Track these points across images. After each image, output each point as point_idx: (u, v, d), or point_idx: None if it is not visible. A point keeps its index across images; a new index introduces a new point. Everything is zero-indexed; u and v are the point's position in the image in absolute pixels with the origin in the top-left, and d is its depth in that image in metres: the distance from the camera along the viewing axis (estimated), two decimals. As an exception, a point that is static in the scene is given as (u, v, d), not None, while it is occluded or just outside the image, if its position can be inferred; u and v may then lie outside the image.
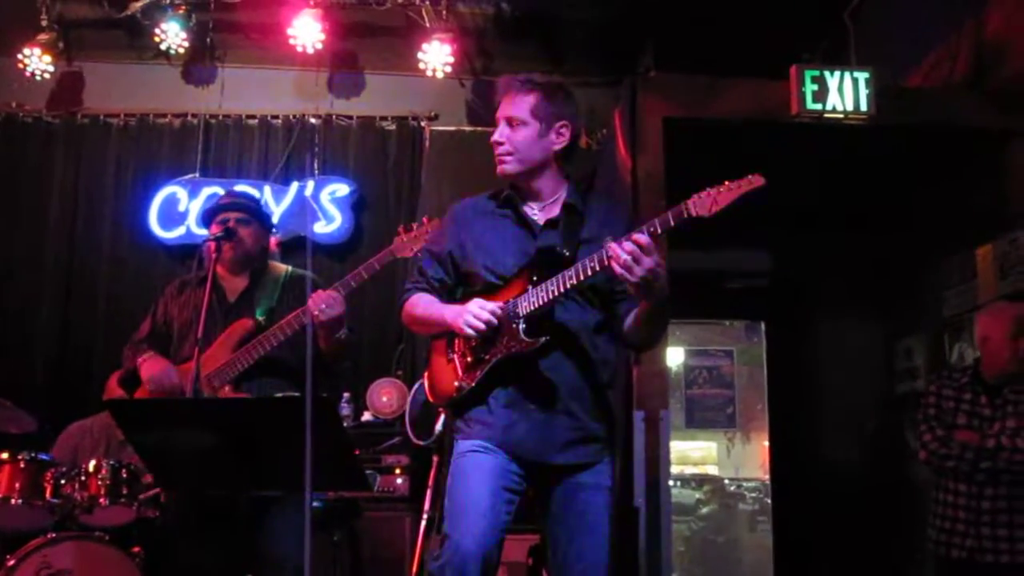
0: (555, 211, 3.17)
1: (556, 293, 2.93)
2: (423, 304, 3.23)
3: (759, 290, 7.88)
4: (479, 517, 2.92)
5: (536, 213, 3.20)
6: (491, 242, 3.18)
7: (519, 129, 3.14)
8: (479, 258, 3.17)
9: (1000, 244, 5.31)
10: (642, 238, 2.73)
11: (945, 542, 4.28)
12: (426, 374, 3.32)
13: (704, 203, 2.76)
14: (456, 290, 3.28)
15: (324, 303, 3.75)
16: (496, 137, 3.16)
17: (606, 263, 2.83)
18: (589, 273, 2.87)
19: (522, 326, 2.98)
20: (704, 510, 9.60)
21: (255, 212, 4.11)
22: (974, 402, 4.30)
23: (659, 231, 2.80)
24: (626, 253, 2.73)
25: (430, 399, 3.30)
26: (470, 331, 2.98)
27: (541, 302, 2.95)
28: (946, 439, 4.29)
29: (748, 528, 9.50)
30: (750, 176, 2.77)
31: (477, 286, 3.17)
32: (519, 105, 3.14)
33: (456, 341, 3.14)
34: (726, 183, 2.77)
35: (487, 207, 3.27)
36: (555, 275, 2.93)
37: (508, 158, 3.16)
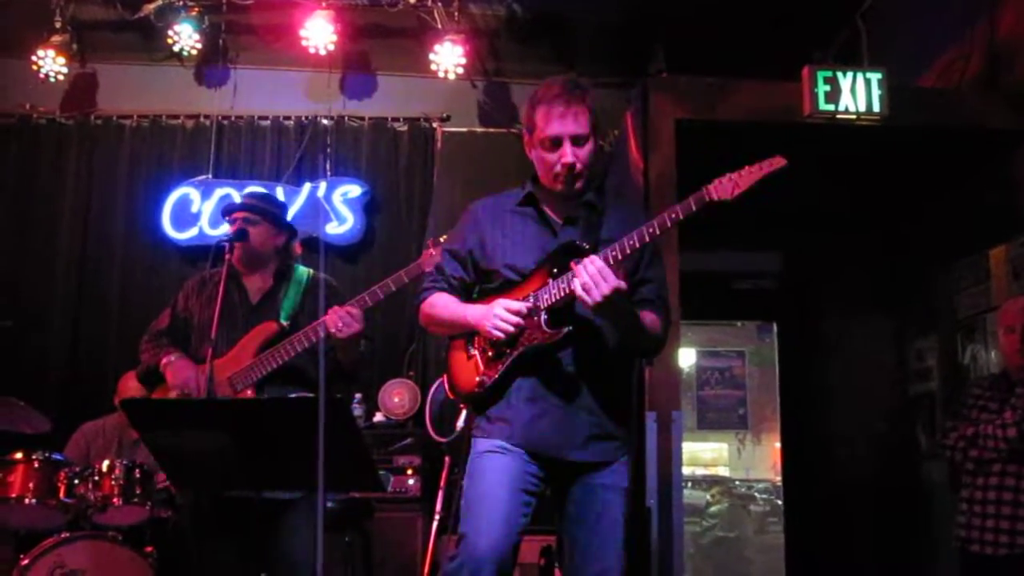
0: (575, 210, 3.17)
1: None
2: (443, 304, 3.21)
3: (771, 291, 7.87)
4: (495, 518, 2.92)
5: (556, 211, 3.20)
6: (511, 239, 3.17)
7: (585, 145, 3.10)
8: (499, 255, 3.16)
9: (1013, 245, 5.30)
10: (598, 263, 2.81)
11: (955, 534, 4.36)
12: (445, 372, 3.32)
13: (725, 187, 2.78)
14: (474, 288, 3.27)
15: (342, 321, 3.73)
16: (569, 159, 3.05)
17: (628, 251, 2.88)
18: (611, 261, 2.87)
19: (544, 317, 2.99)
20: (715, 511, 9.60)
21: (263, 212, 4.08)
22: (991, 398, 4.34)
23: (680, 217, 2.83)
24: (588, 274, 2.79)
25: (450, 396, 3.28)
26: (498, 334, 2.98)
27: (562, 294, 2.95)
28: (949, 431, 4.42)
29: (759, 529, 9.50)
30: (770, 159, 2.77)
31: (496, 283, 3.16)
32: (581, 121, 3.07)
33: (477, 338, 3.13)
34: (746, 167, 2.77)
35: (507, 205, 3.25)
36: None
37: (581, 179, 3.12)
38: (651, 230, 2.87)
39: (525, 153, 3.25)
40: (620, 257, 2.87)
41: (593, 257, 2.84)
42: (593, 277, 2.79)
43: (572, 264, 2.86)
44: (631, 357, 3.43)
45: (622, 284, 2.83)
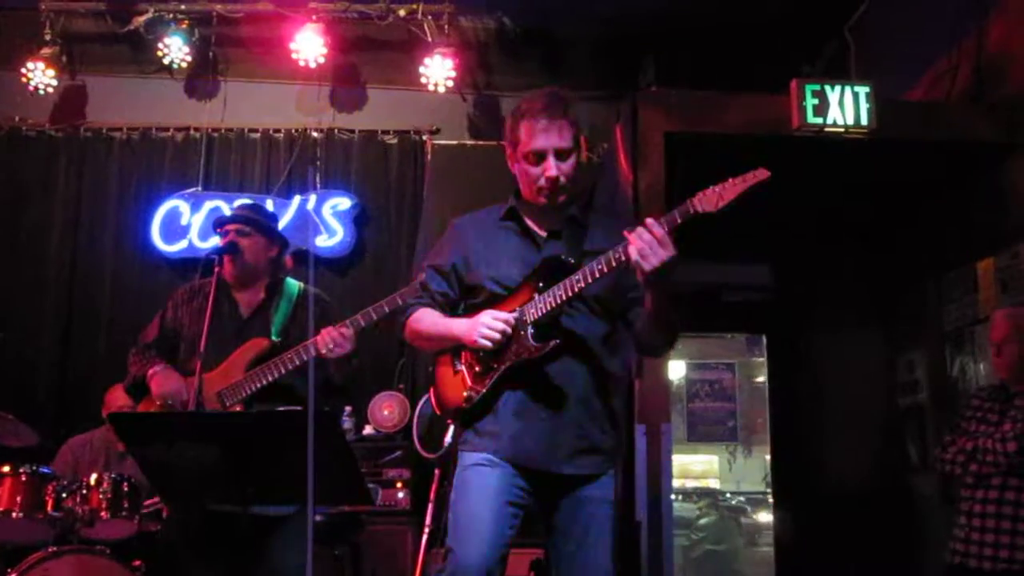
0: (558, 223, 3.18)
1: (564, 298, 2.94)
2: (428, 319, 3.22)
3: (760, 303, 7.87)
4: (483, 531, 2.92)
5: (540, 225, 3.21)
6: (495, 254, 3.18)
7: (569, 159, 3.11)
8: (483, 270, 3.17)
9: (1002, 258, 5.32)
10: (658, 231, 2.76)
11: (950, 548, 4.28)
12: (432, 387, 3.32)
13: (709, 199, 2.77)
14: (459, 304, 3.27)
15: (333, 342, 3.72)
16: (553, 173, 3.06)
17: (615, 262, 2.86)
18: (597, 275, 2.89)
19: (530, 331, 2.99)
20: (705, 523, 9.59)
21: (255, 223, 4.06)
22: (991, 409, 4.31)
23: (666, 230, 2.81)
24: (644, 241, 2.76)
25: (437, 412, 3.28)
26: (486, 343, 2.98)
27: (548, 307, 2.96)
28: (947, 444, 4.35)
29: (749, 541, 9.49)
30: (754, 171, 2.78)
31: (481, 297, 3.17)
32: (564, 135, 3.08)
33: (463, 352, 3.14)
34: (730, 179, 2.77)
35: (490, 220, 3.27)
36: (561, 282, 2.94)
37: (565, 192, 3.13)
38: None
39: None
40: (606, 270, 2.88)
41: (650, 222, 2.79)
42: (650, 243, 2.76)
43: (626, 232, 2.82)
44: (651, 350, 3.41)
45: (675, 255, 2.79)
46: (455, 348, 3.17)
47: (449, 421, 3.38)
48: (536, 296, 3.00)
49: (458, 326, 3.11)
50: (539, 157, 3.09)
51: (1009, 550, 4.02)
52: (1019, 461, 4.02)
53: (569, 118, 3.10)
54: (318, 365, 3.83)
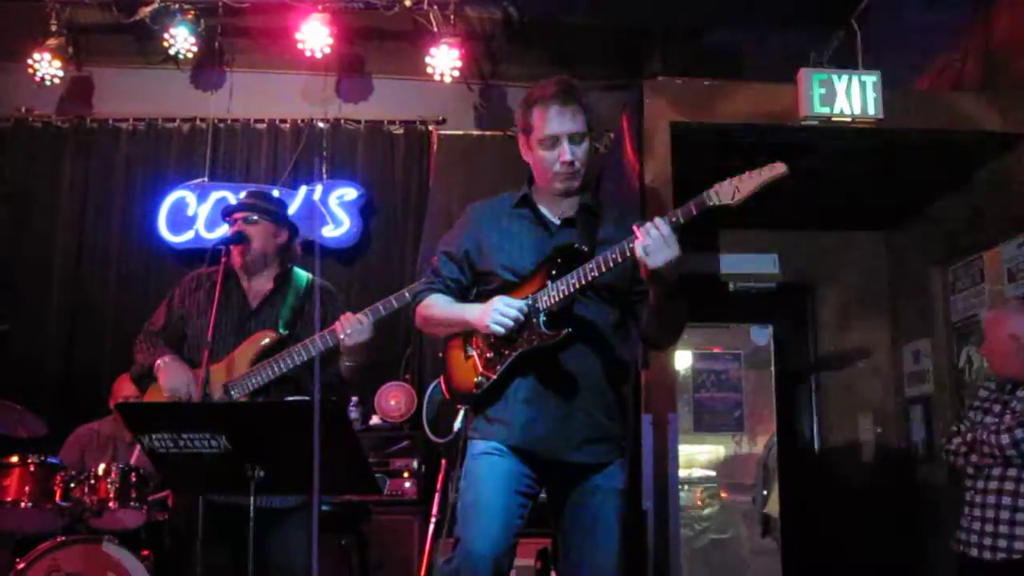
0: (571, 211, 3.19)
1: (577, 286, 2.94)
2: (440, 304, 3.23)
3: (767, 293, 7.88)
4: (492, 520, 2.93)
5: (553, 213, 3.21)
6: (508, 241, 3.19)
7: (583, 143, 3.13)
8: (496, 257, 3.18)
9: (1008, 247, 5.32)
10: (664, 229, 2.77)
11: (955, 536, 4.30)
12: (442, 371, 3.32)
13: (727, 191, 2.78)
14: (470, 290, 3.28)
15: (351, 327, 3.71)
16: (568, 157, 3.08)
17: (628, 253, 2.86)
18: (611, 264, 2.90)
19: (543, 319, 2.99)
20: (710, 513, 9.59)
21: (262, 210, 4.04)
22: (996, 400, 4.32)
23: (682, 221, 2.83)
24: (651, 238, 2.77)
25: (447, 397, 3.29)
26: (499, 329, 2.98)
27: (562, 295, 2.97)
28: (953, 435, 4.38)
29: (755, 532, 9.49)
30: (772, 164, 2.78)
31: (493, 284, 3.17)
32: (577, 119, 3.10)
33: (475, 338, 3.14)
34: (748, 172, 2.77)
35: (503, 207, 3.27)
36: (574, 270, 2.95)
37: (580, 177, 3.14)
38: None
39: (521, 156, 3.26)
40: (620, 260, 2.88)
41: (658, 220, 2.81)
42: (656, 241, 2.78)
43: (635, 227, 2.84)
44: (655, 344, 3.43)
45: (680, 254, 2.81)
46: (467, 333, 3.17)
47: (459, 406, 3.39)
48: (549, 283, 3.00)
49: (471, 311, 3.11)
50: (553, 142, 3.10)
51: (1007, 540, 4.03)
52: (1013, 454, 4.03)
53: (581, 103, 3.12)
54: (328, 361, 3.82)
